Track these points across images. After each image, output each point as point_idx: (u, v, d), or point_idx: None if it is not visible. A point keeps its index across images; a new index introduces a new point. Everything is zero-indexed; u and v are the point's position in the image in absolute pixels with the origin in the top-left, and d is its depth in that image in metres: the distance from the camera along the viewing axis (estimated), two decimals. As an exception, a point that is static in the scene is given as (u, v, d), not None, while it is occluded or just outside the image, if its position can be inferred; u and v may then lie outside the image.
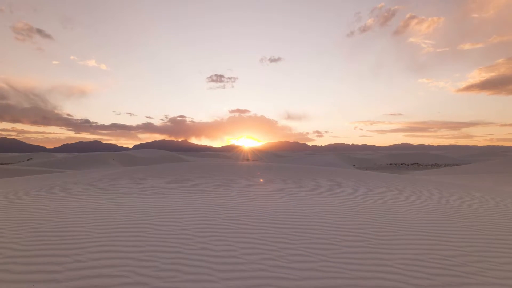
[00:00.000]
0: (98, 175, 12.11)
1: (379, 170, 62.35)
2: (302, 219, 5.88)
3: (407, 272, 3.64)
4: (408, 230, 5.33)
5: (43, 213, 6.25)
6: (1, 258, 3.89)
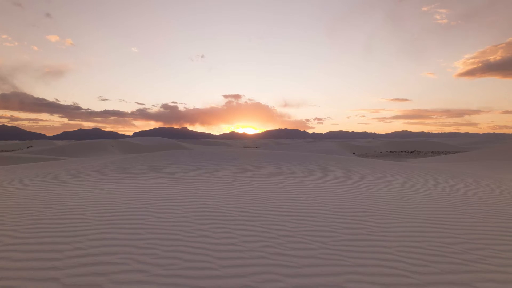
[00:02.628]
0: (98, 163, 12.09)
1: (379, 157, 62.49)
2: (302, 207, 5.87)
3: (407, 259, 3.64)
4: (408, 218, 5.33)
5: (43, 200, 6.25)
6: (1, 245, 3.89)
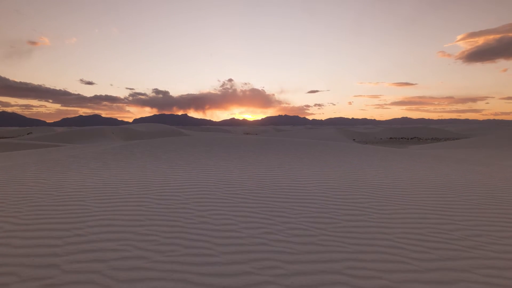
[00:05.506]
0: (98, 149, 12.07)
1: (379, 144, 62.53)
2: (301, 193, 5.87)
3: (407, 246, 3.65)
4: (408, 204, 5.33)
5: (43, 187, 6.25)
6: (1, 232, 3.89)
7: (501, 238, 3.97)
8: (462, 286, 2.85)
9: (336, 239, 3.80)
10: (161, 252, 3.37)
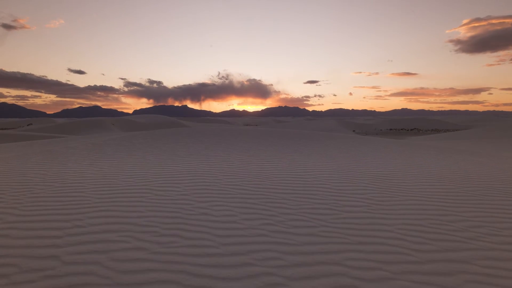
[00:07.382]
0: (98, 141, 12.03)
1: (379, 135, 62.41)
2: (301, 185, 5.86)
3: (407, 237, 3.65)
4: (408, 195, 5.32)
5: (43, 178, 6.24)
6: (2, 223, 3.88)
7: (502, 229, 3.97)
8: (463, 277, 2.85)
9: (336, 230, 3.80)
10: (161, 244, 3.37)
